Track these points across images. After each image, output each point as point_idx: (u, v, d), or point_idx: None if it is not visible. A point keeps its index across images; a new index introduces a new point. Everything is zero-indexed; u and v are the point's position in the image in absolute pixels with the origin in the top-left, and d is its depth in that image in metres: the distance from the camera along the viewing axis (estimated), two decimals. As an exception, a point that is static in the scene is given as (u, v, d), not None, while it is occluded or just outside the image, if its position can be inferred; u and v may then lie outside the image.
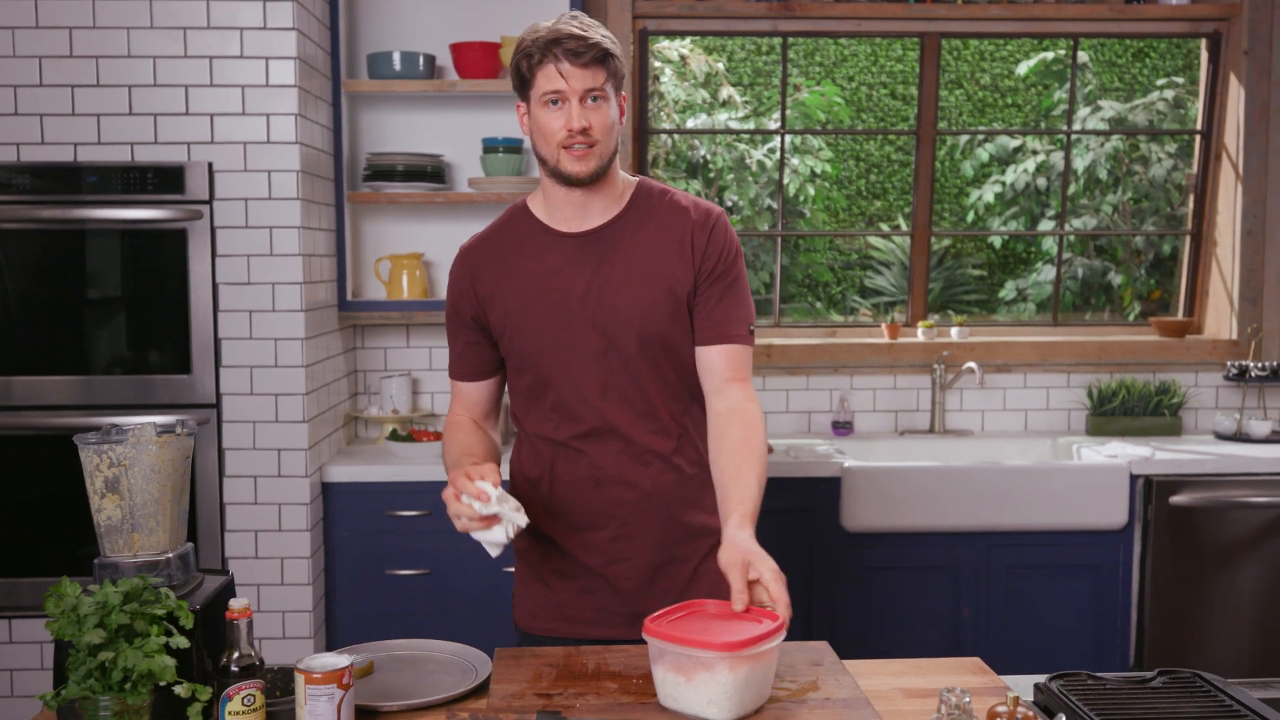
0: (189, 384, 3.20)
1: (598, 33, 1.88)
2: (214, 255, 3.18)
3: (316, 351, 3.35)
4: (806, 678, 1.74)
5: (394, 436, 3.57)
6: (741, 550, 1.74)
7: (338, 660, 1.52)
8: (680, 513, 2.02)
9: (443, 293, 3.84)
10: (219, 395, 3.21)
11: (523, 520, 1.74)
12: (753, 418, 1.95)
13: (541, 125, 1.90)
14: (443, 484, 3.29)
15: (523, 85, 1.92)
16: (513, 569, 3.35)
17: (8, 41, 3.12)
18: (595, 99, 1.88)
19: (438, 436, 3.58)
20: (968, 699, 1.28)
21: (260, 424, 3.23)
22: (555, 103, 1.88)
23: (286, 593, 3.26)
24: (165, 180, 3.15)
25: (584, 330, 1.95)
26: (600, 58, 1.87)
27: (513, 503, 1.76)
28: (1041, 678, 1.76)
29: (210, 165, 3.16)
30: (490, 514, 1.74)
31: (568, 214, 1.98)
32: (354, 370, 3.87)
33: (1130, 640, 3.53)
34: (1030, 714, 1.30)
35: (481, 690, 1.72)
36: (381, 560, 3.39)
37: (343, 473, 3.39)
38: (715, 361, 1.98)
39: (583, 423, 1.98)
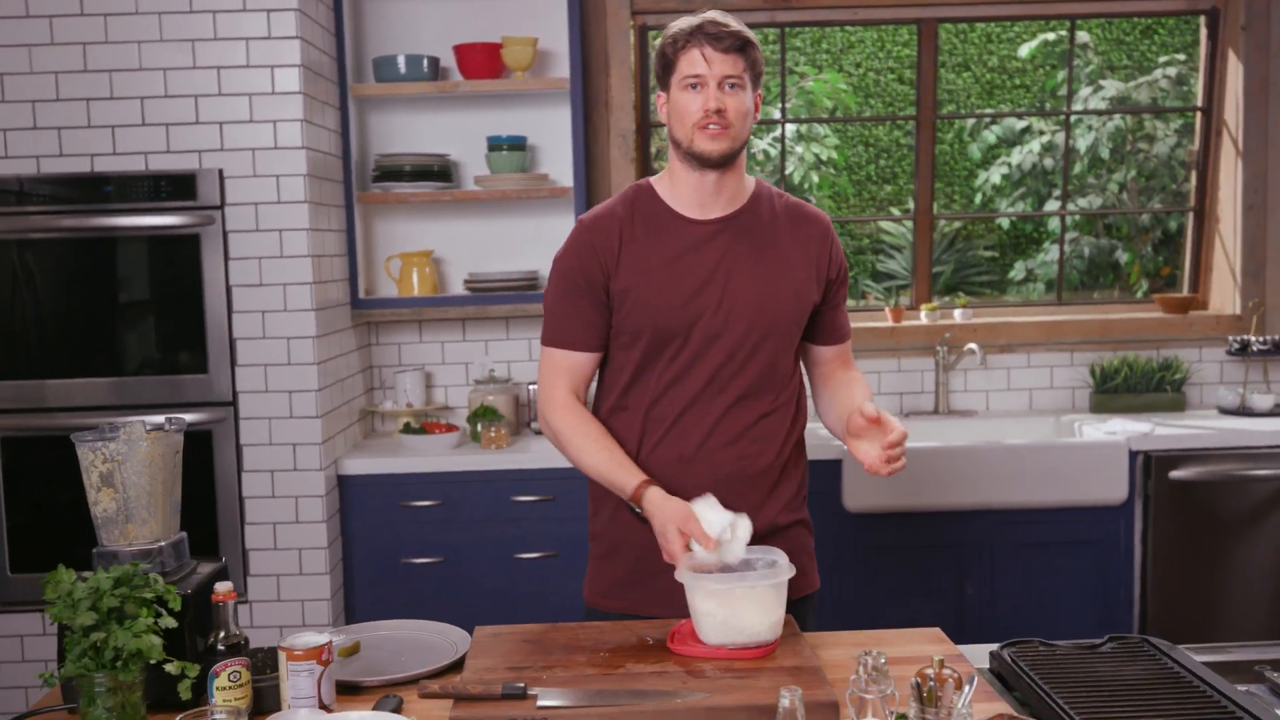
0: (206, 383, 3.33)
1: (740, 25, 1.99)
2: (226, 258, 3.30)
3: (329, 349, 3.47)
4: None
5: (407, 429, 3.68)
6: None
7: (318, 638, 1.63)
8: (759, 500, 2.08)
9: (452, 289, 3.94)
10: (235, 393, 3.34)
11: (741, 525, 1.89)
12: (856, 372, 2.23)
13: (680, 107, 2.00)
14: (455, 474, 3.46)
15: (665, 70, 2.02)
16: (519, 556, 3.50)
17: (25, 59, 3.25)
18: (733, 86, 1.98)
19: (449, 429, 3.68)
20: (883, 660, 1.36)
21: (275, 420, 3.35)
22: (694, 86, 1.98)
23: (305, 582, 3.39)
24: (178, 187, 3.28)
25: (705, 312, 2.03)
26: (740, 46, 1.97)
27: (727, 520, 1.88)
28: (996, 645, 1.84)
29: (221, 172, 3.28)
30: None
31: (694, 200, 2.07)
32: (369, 366, 3.99)
33: (1134, 613, 3.57)
34: (954, 675, 1.38)
35: (459, 666, 1.81)
36: (396, 549, 3.51)
37: (358, 465, 3.50)
38: (830, 356, 2.22)
39: (679, 401, 2.06)
